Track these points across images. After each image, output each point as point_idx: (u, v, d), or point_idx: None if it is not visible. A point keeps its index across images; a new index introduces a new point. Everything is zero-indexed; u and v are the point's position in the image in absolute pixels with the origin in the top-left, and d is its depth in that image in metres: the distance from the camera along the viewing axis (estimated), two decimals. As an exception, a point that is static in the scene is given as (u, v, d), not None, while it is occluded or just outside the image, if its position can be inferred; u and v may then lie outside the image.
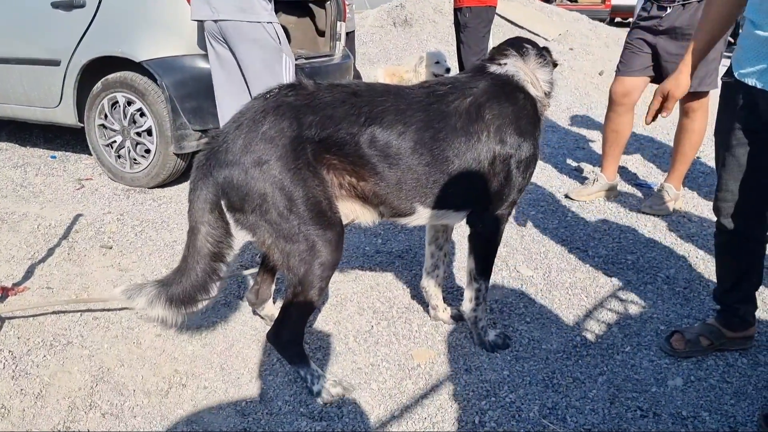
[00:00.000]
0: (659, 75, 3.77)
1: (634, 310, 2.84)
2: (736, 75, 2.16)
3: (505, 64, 2.36)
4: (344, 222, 2.20)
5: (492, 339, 2.52)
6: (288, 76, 3.80)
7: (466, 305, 2.52)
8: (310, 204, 2.05)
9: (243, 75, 3.82)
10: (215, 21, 3.71)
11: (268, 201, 2.03)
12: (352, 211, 2.26)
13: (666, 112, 2.43)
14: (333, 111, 2.09)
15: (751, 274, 2.43)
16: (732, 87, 2.20)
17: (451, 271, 3.17)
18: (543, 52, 2.46)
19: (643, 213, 3.92)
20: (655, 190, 4.12)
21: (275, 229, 2.06)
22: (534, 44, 2.47)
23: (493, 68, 2.35)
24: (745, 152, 2.21)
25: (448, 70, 6.70)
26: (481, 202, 2.31)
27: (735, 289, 2.45)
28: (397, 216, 2.30)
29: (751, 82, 2.09)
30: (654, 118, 2.48)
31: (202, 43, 4.11)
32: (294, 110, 2.07)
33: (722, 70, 2.77)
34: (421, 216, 2.30)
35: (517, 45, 2.43)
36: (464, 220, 2.42)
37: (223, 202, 2.13)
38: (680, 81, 2.37)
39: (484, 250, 2.44)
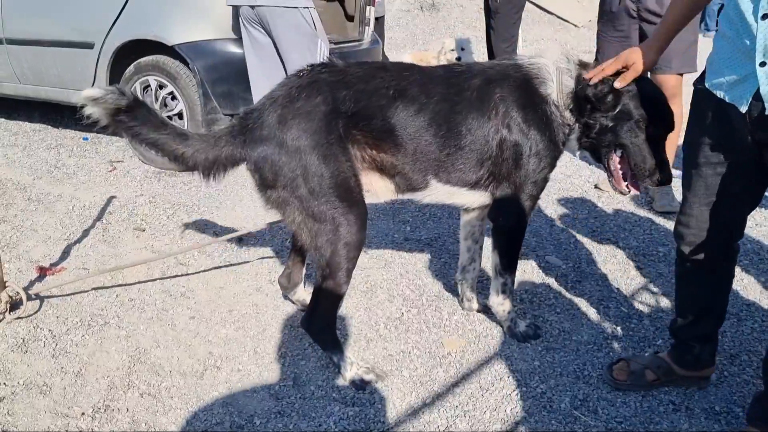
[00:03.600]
0: None
1: (665, 303, 2.82)
2: (707, 84, 1.84)
3: (537, 57, 2.34)
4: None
5: (523, 330, 2.52)
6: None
7: (493, 299, 2.53)
8: (339, 180, 2.09)
9: (280, 58, 3.86)
10: (252, 6, 3.75)
11: (299, 176, 2.06)
12: (371, 183, 2.29)
13: (621, 83, 2.15)
14: (365, 85, 2.15)
15: (712, 310, 2.15)
16: (703, 95, 1.87)
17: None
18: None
19: (659, 213, 3.81)
20: (652, 188, 3.94)
21: (305, 207, 2.09)
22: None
23: (520, 60, 2.35)
24: (714, 173, 1.90)
25: (458, 59, 6.70)
26: (493, 185, 2.31)
27: (693, 325, 2.16)
28: (411, 190, 2.33)
29: (720, 94, 1.78)
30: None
31: (234, 27, 4.13)
32: (328, 85, 2.13)
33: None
34: (434, 191, 2.33)
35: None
36: (477, 203, 2.42)
37: (255, 179, 2.16)
38: (648, 56, 2.10)
39: (507, 245, 2.44)
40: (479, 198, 2.38)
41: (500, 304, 2.51)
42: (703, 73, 1.90)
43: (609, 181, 2.39)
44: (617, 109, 2.19)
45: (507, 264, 2.46)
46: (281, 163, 2.07)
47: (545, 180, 2.36)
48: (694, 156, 1.94)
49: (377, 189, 2.30)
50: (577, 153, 2.40)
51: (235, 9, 3.98)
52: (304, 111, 2.07)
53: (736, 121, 1.76)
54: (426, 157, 2.22)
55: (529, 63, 2.31)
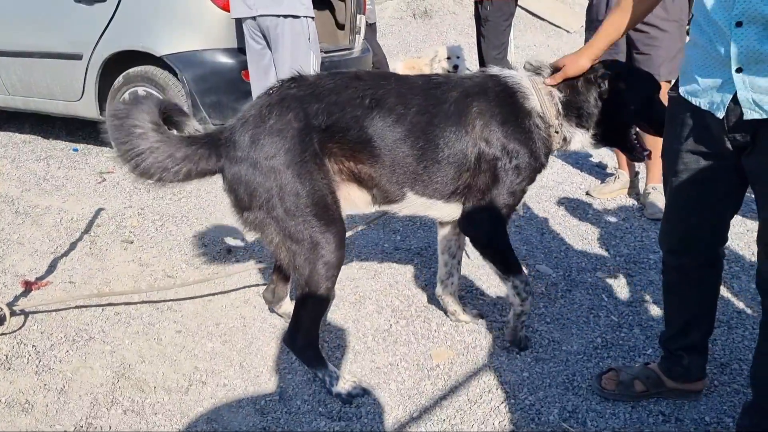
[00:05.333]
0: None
1: (656, 311, 2.80)
2: (680, 91, 1.84)
3: (509, 71, 2.34)
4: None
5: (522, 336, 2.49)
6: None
7: (513, 300, 2.40)
8: (316, 199, 2.06)
9: (275, 69, 3.89)
10: (254, 17, 3.78)
11: (275, 196, 2.03)
12: (349, 195, 2.25)
13: (551, 81, 2.27)
14: (337, 97, 2.11)
15: (700, 320, 2.13)
16: (678, 103, 1.87)
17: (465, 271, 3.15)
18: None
19: (650, 220, 3.80)
20: (643, 195, 3.95)
21: (282, 227, 2.07)
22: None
23: (496, 71, 2.33)
24: (694, 179, 1.89)
25: (456, 67, 6.71)
26: (469, 197, 2.26)
27: (681, 335, 2.14)
28: (388, 202, 2.29)
29: (695, 101, 1.78)
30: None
31: (223, 38, 4.15)
32: (299, 101, 2.09)
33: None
34: (411, 203, 2.29)
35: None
36: (453, 216, 2.37)
37: (230, 200, 2.14)
38: (579, 62, 2.24)
39: (492, 255, 2.35)
40: (455, 211, 2.33)
41: (520, 305, 2.40)
42: (677, 81, 1.90)
43: (632, 154, 2.45)
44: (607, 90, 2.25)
45: (505, 269, 2.36)
46: (256, 184, 2.04)
47: (523, 192, 2.31)
48: (673, 164, 1.94)
49: (356, 200, 2.27)
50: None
51: (239, 21, 4.00)
52: (276, 129, 2.03)
53: (713, 126, 1.76)
54: (403, 169, 2.18)
55: (506, 76, 2.28)
